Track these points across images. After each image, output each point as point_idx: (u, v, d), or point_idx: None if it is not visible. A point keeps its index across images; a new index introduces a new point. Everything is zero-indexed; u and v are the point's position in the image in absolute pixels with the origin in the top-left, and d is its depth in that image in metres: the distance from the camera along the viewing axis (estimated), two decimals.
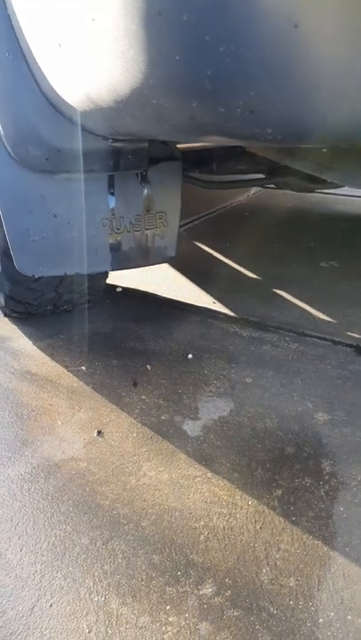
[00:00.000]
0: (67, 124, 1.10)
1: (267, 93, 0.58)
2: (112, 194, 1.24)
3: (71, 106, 0.99)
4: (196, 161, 1.83)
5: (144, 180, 1.25)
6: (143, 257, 1.30)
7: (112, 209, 1.25)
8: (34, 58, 1.00)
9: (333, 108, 0.60)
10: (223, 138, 0.67)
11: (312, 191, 2.67)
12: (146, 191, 1.26)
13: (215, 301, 1.94)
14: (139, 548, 0.92)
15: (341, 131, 0.62)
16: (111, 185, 1.23)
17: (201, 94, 0.60)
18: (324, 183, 1.53)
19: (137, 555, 0.91)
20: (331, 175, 1.04)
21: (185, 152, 1.67)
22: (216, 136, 0.67)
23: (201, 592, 0.85)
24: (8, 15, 1.02)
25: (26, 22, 0.97)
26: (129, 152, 1.17)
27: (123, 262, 1.31)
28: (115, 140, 1.13)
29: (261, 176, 2.04)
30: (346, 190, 3.17)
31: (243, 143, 1.03)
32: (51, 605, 0.83)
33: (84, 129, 1.10)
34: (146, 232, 1.28)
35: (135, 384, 1.38)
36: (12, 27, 1.02)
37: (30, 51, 1.00)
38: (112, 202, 1.24)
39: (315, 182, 1.42)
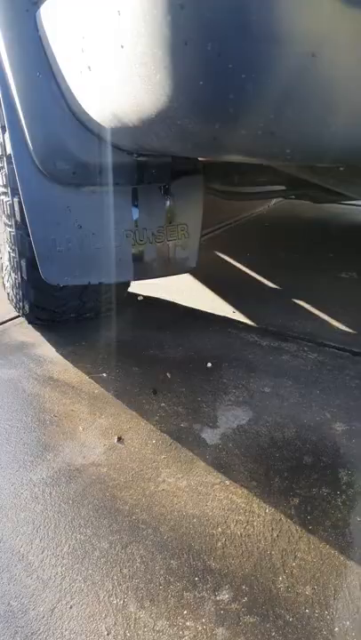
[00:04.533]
0: (93, 139, 1.14)
1: (286, 117, 0.61)
2: (136, 206, 1.27)
3: (98, 123, 1.03)
4: (218, 173, 1.86)
5: (167, 192, 1.28)
6: (165, 267, 1.34)
7: (135, 220, 1.28)
8: (63, 77, 1.05)
9: (349, 133, 0.62)
10: (244, 157, 0.69)
11: (332, 202, 2.68)
12: (168, 203, 1.29)
13: (235, 311, 1.96)
14: (157, 552, 0.94)
15: (356, 153, 0.65)
16: (135, 197, 1.26)
17: (223, 117, 0.63)
18: (343, 196, 1.55)
19: (155, 559, 0.93)
20: (349, 190, 1.06)
21: (207, 164, 1.70)
22: (237, 155, 0.70)
23: (218, 598, 0.87)
24: (39, 37, 1.07)
25: (56, 45, 1.02)
26: (153, 166, 1.21)
27: (145, 272, 1.35)
28: (139, 155, 1.17)
29: (282, 188, 2.07)
30: None
31: (263, 162, 1.05)
32: (71, 607, 0.85)
33: (110, 144, 1.14)
34: (168, 243, 1.32)
35: (155, 391, 1.41)
36: (44, 48, 1.07)
37: (60, 71, 1.04)
38: (135, 214, 1.28)
39: (334, 195, 1.44)
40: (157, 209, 1.29)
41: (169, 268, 1.34)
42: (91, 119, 1.03)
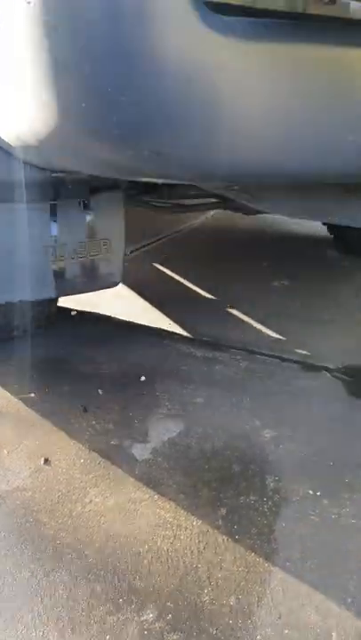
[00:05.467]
0: (5, 157, 1.12)
1: (169, 138, 0.61)
2: (55, 221, 1.26)
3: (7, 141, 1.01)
4: (148, 187, 1.87)
5: (86, 207, 1.27)
6: (88, 283, 1.32)
7: (55, 236, 1.27)
8: None
9: (232, 153, 0.64)
10: (136, 176, 0.70)
11: (262, 213, 2.75)
12: (88, 218, 1.28)
13: (171, 322, 1.96)
14: (81, 578, 0.92)
15: (241, 173, 0.66)
16: (53, 213, 1.25)
17: (109, 139, 0.63)
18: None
19: (79, 585, 0.91)
20: (261, 205, 1.09)
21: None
22: (131, 175, 0.71)
23: (142, 618, 0.86)
24: None
25: None
26: (70, 182, 1.20)
27: (67, 288, 1.33)
28: (54, 172, 1.15)
29: (212, 200, 2.10)
30: None
31: (156, 181, 1.07)
32: None
33: (22, 161, 1.12)
34: (90, 258, 1.31)
35: (85, 409, 1.39)
36: None
37: None
38: (55, 229, 1.26)
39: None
40: (77, 224, 1.27)
41: (92, 283, 1.33)
42: (1, 138, 1.01)
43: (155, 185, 1.88)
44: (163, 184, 1.89)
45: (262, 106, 0.63)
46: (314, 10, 0.72)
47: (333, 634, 0.82)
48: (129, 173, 0.69)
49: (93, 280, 1.33)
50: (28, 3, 0.58)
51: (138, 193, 1.87)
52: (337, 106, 0.69)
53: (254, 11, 0.67)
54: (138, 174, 0.68)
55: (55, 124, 0.65)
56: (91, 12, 0.56)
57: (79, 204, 1.28)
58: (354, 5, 0.70)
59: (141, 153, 0.62)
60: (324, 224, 2.73)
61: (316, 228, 2.90)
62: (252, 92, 0.62)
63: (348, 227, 2.56)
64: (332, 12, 0.71)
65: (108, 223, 1.32)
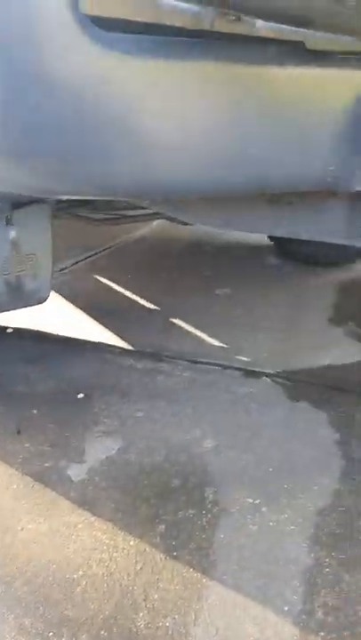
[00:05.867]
0: None
1: (62, 154, 0.60)
2: None
3: None
4: (78, 200, 1.84)
5: (9, 222, 1.23)
6: (14, 300, 1.27)
7: None
8: None
9: (131, 169, 0.62)
10: (44, 194, 0.68)
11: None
12: (12, 234, 1.24)
13: (112, 335, 1.93)
14: (8, 613, 0.87)
15: (141, 190, 0.65)
16: None
17: (4, 156, 0.60)
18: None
19: (6, 621, 0.85)
20: (186, 217, 1.08)
21: None
22: (37, 192, 0.68)
23: None
24: None
25: None
26: None
27: None
28: None
29: (149, 212, 2.08)
30: None
31: (60, 197, 1.05)
32: None
33: None
34: (15, 275, 1.26)
35: (19, 431, 1.33)
36: None
37: None
38: None
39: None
40: (1, 240, 1.23)
41: (19, 300, 1.28)
42: None
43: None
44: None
45: (154, 122, 0.62)
46: (220, 27, 0.72)
47: None
48: (34, 190, 0.67)
49: (19, 297, 1.28)
50: None
51: (69, 206, 1.83)
52: (235, 120, 0.69)
53: (160, 27, 0.67)
54: (39, 191, 0.65)
55: None
56: None
57: (1, 219, 1.23)
58: (259, 24, 0.71)
59: (37, 170, 0.60)
60: None
61: (259, 236, 2.94)
62: (143, 109, 0.61)
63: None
64: (237, 30, 0.71)
65: (34, 238, 1.28)
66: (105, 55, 0.56)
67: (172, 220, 2.16)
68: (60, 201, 1.59)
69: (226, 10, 0.69)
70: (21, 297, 1.27)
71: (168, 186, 0.67)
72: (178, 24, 0.66)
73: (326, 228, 0.93)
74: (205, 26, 0.68)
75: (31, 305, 1.30)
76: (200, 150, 0.66)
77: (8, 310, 1.31)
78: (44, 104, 0.56)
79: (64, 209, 1.85)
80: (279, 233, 1.12)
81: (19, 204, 1.25)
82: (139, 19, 0.63)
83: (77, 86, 0.56)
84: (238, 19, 0.71)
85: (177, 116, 0.63)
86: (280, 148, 0.73)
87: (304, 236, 1.04)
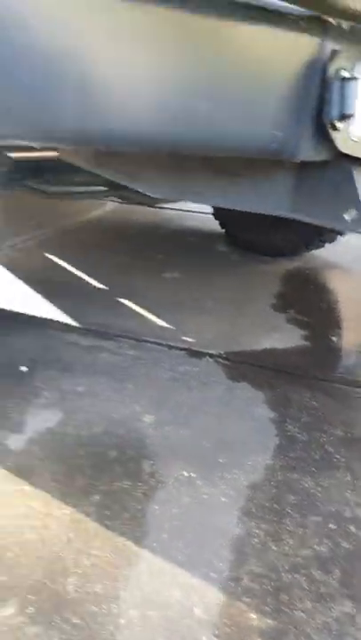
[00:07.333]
0: None
1: (12, 93, 0.58)
2: None
3: None
4: (32, 171, 1.79)
5: None
6: None
7: None
8: None
9: (76, 111, 0.62)
10: None
11: (153, 206, 2.76)
12: None
13: (60, 312, 1.90)
14: None
15: (86, 135, 0.65)
16: None
17: None
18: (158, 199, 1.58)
19: None
20: (140, 186, 1.07)
21: (20, 161, 1.62)
22: None
23: (2, 615, 0.81)
24: None
25: None
26: None
27: None
28: None
29: (102, 188, 2.06)
30: (196, 207, 3.32)
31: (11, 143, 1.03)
32: None
33: None
34: None
35: None
36: None
37: None
38: None
39: (147, 197, 1.46)
40: None
41: None
42: None
43: (38, 169, 1.81)
44: (46, 169, 1.83)
45: (107, 62, 0.62)
46: None
47: (195, 609, 0.83)
48: None
49: None
50: None
51: (22, 177, 1.79)
52: (188, 72, 0.68)
53: None
54: None
55: None
56: None
57: None
58: None
59: None
60: (216, 219, 2.80)
61: (210, 224, 2.97)
62: (99, 48, 0.60)
63: (237, 223, 2.65)
64: None
65: None
66: None
67: (124, 199, 2.14)
68: (15, 170, 1.55)
69: None
70: None
71: (114, 133, 0.66)
72: None
73: (271, 200, 0.95)
74: None
75: None
76: (147, 97, 0.66)
77: None
78: None
79: (16, 180, 1.80)
80: (225, 204, 1.12)
81: None
82: None
83: (33, 20, 0.54)
84: None
85: (127, 57, 0.62)
86: (227, 106, 0.73)
87: (249, 208, 1.05)
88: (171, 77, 0.67)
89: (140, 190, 1.11)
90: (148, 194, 1.14)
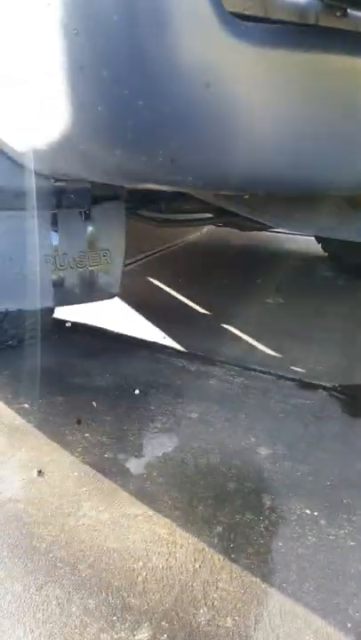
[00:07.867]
0: (9, 163, 1.11)
1: (185, 144, 0.61)
2: (55, 231, 1.25)
3: (12, 147, 1.01)
4: (145, 200, 1.87)
5: (87, 218, 1.27)
6: (87, 293, 1.31)
7: (55, 246, 1.26)
8: None
9: (247, 161, 0.64)
10: (149, 184, 0.70)
11: (258, 230, 2.77)
12: (89, 229, 1.28)
13: (165, 336, 1.95)
14: (74, 593, 0.89)
15: (255, 181, 0.67)
16: (54, 222, 1.24)
17: (124, 143, 0.63)
18: (267, 224, 1.60)
19: (72, 600, 0.88)
20: (264, 218, 1.09)
21: (132, 191, 1.71)
22: (142, 182, 0.70)
23: (136, 637, 0.83)
24: None
25: None
26: (72, 191, 1.19)
27: (66, 298, 1.31)
28: (57, 180, 1.15)
29: (209, 215, 2.11)
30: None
31: (168, 189, 1.07)
32: None
33: (25, 168, 1.11)
34: (90, 269, 1.30)
35: (79, 421, 1.36)
36: None
37: None
38: (55, 239, 1.25)
39: (257, 223, 1.48)
40: (78, 234, 1.27)
41: (91, 294, 1.32)
42: (3, 143, 1.00)
43: (152, 198, 1.89)
44: (160, 197, 1.90)
45: (278, 113, 0.64)
46: (326, 22, 0.72)
47: None
48: (140, 180, 0.69)
49: (92, 291, 1.32)
50: (48, 5, 0.58)
51: (134, 206, 1.87)
52: (348, 116, 0.69)
53: (268, 21, 0.68)
54: (149, 181, 0.67)
55: (68, 128, 0.65)
56: (110, 16, 0.56)
57: (80, 213, 1.27)
58: None
59: (155, 159, 0.62)
60: (318, 242, 2.75)
61: (311, 246, 2.93)
62: (269, 100, 0.62)
63: (343, 246, 2.59)
64: (343, 25, 0.72)
65: (109, 234, 1.31)
66: (237, 44, 0.57)
67: (233, 225, 2.17)
68: (129, 200, 1.63)
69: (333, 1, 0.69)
70: (93, 291, 1.31)
71: (284, 181, 0.67)
72: (286, 18, 0.67)
73: None
74: (310, 20, 0.69)
75: (102, 299, 1.34)
76: (318, 145, 0.67)
77: (80, 303, 1.35)
78: (175, 93, 0.57)
79: (129, 209, 1.89)
80: (357, 238, 1.10)
81: (97, 199, 1.29)
82: (252, 12, 0.64)
83: (211, 75, 0.58)
84: (344, 14, 0.71)
85: (299, 109, 0.64)
86: None
87: None
88: (339, 122, 0.68)
89: (266, 223, 1.13)
90: (272, 226, 1.15)
